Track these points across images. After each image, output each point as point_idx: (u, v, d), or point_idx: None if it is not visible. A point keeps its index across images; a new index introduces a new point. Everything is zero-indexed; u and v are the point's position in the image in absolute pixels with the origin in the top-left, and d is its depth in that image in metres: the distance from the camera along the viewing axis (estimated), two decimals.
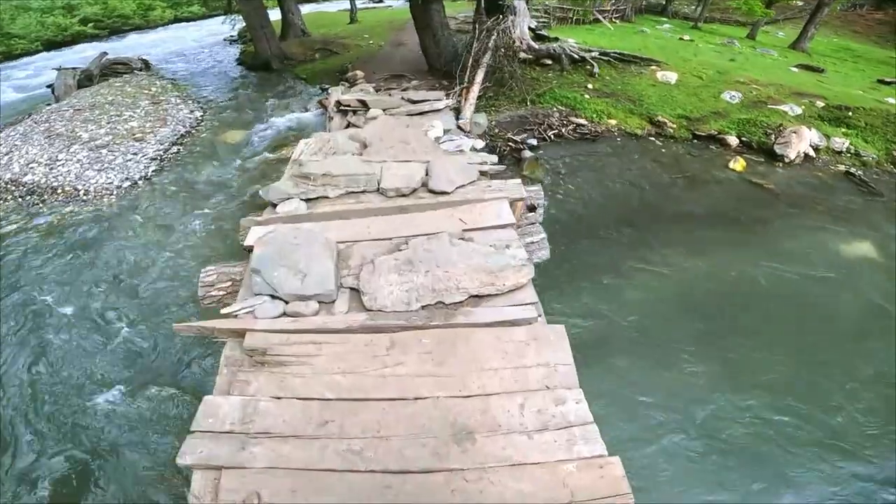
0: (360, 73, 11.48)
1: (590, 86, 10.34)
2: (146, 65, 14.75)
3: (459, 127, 6.67)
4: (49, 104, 11.55)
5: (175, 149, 8.81)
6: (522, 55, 10.49)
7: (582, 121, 9.44)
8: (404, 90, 10.14)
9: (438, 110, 6.86)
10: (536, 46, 10.84)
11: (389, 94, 8.54)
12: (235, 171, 8.08)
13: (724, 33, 18.55)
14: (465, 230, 3.24)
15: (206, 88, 12.05)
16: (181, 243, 6.61)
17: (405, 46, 14.21)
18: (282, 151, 8.42)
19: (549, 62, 10.90)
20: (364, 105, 7.49)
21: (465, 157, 4.70)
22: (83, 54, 18.21)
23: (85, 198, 7.58)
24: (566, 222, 7.21)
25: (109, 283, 6.07)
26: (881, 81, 14.41)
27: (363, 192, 4.10)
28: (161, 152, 8.59)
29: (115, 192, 7.68)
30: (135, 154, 8.41)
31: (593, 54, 10.91)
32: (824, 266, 6.75)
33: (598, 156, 8.83)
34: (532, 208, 4.01)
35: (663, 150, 9.25)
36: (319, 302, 2.85)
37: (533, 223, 4.03)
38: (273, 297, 2.87)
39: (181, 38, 20.12)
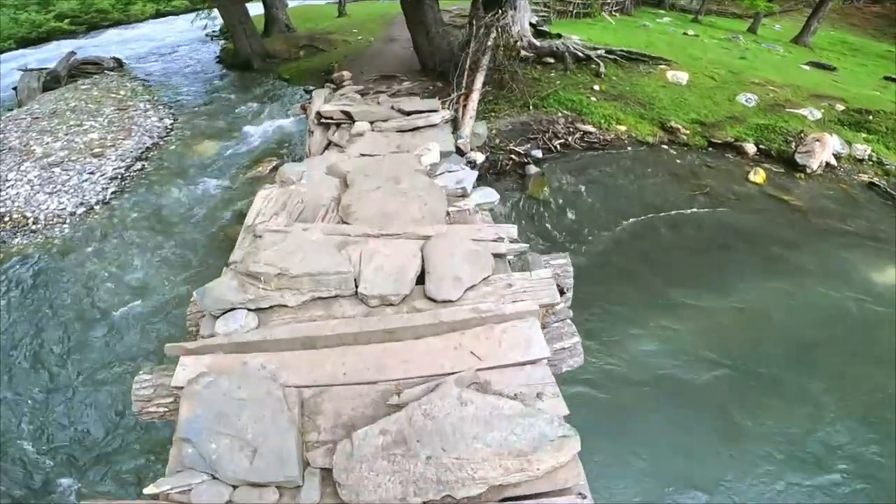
0: (346, 73, 10.27)
1: (596, 87, 9.25)
2: (119, 64, 13.38)
3: (459, 149, 5.57)
4: (12, 109, 10.29)
5: (139, 165, 7.64)
6: (523, 53, 9.36)
7: (589, 128, 8.36)
8: (394, 94, 8.99)
9: (434, 125, 5.75)
10: (538, 44, 9.70)
11: (378, 102, 7.39)
12: (204, 194, 6.96)
13: (724, 27, 17.44)
14: (479, 369, 2.20)
15: (180, 91, 10.79)
16: (138, 286, 5.52)
17: (396, 42, 12.96)
18: (258, 168, 7.30)
19: (552, 61, 9.78)
20: (349, 117, 6.37)
21: (475, 227, 3.45)
22: (59, 52, 16.80)
23: (35, 227, 6.43)
24: (575, 253, 6.19)
25: (51, 335, 4.99)
26: (888, 78, 13.46)
27: (335, 297, 2.87)
28: (122, 170, 7.41)
29: (67, 220, 6.53)
30: (91, 173, 7.24)
31: (599, 52, 9.78)
32: (864, 297, 5.83)
33: (609, 168, 7.78)
34: (560, 291, 2.97)
35: (678, 161, 8.22)
36: (279, 488, 1.82)
37: (562, 319, 2.91)
38: (214, 477, 1.85)
39: (162, 34, 18.60)
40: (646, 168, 7.93)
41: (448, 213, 4.12)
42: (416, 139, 5.59)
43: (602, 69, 9.50)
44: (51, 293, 5.50)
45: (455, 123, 6.49)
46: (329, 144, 5.86)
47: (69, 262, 5.90)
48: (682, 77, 9.71)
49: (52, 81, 11.68)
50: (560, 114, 8.56)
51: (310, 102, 7.80)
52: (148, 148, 8.07)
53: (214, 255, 5.86)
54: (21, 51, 17.93)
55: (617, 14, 13.23)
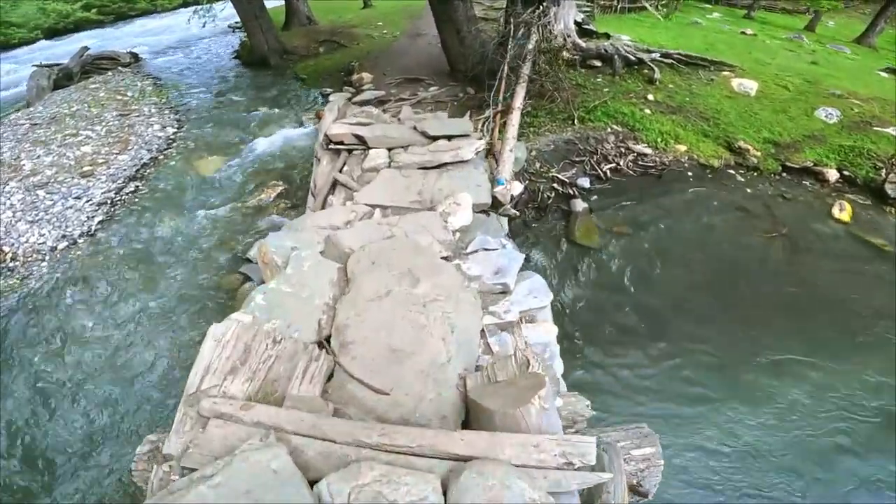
0: (366, 75, 8.83)
1: (650, 97, 7.59)
2: (135, 59, 12.20)
3: (498, 209, 4.11)
4: (19, 110, 9.22)
5: (132, 186, 6.41)
6: (566, 55, 7.74)
7: (644, 148, 6.78)
8: (419, 103, 7.53)
9: (465, 161, 4.33)
10: (584, 45, 8.05)
11: (398, 118, 5.97)
12: (200, 227, 5.71)
13: (780, 24, 15.17)
14: None
15: (190, 91, 9.50)
16: (114, 355, 4.36)
17: (423, 38, 11.37)
18: (260, 196, 6.00)
19: (598, 64, 8.12)
20: (362, 142, 4.99)
21: (531, 442, 1.86)
22: (85, 42, 15.76)
23: (12, 264, 5.31)
24: (629, 324, 4.74)
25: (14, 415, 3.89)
26: None
27: None
28: (112, 194, 6.21)
29: (46, 258, 5.39)
30: (77, 198, 6.06)
31: (654, 56, 8.08)
32: None
33: (668, 202, 6.21)
34: (643, 493, 1.64)
35: (748, 191, 6.58)
36: None
37: None
38: None
39: (186, 24, 17.28)
40: (711, 201, 6.34)
41: (483, 334, 2.78)
42: (443, 181, 4.18)
43: (657, 75, 7.82)
44: (14, 356, 4.39)
45: (489, 152, 5.05)
46: (335, 185, 4.51)
47: (41, 315, 4.77)
48: (751, 86, 7.95)
49: (63, 79, 10.56)
50: (609, 129, 6.98)
51: (323, 112, 6.42)
52: (145, 164, 6.85)
53: (206, 313, 4.67)
54: (48, 42, 16.99)
55: (664, 9, 11.33)
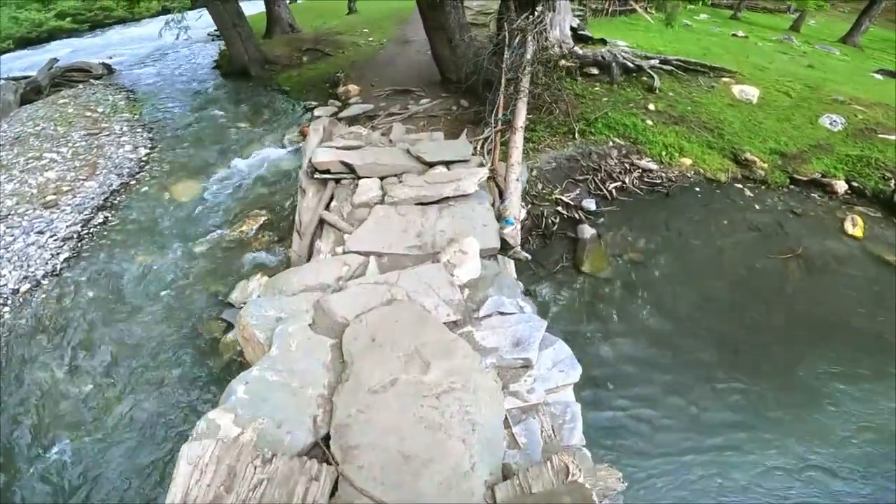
0: (353, 87, 8.13)
1: (651, 106, 7.05)
2: (109, 70, 11.27)
3: (508, 251, 3.52)
4: None
5: (100, 218, 5.66)
6: (562, 63, 7.15)
7: (649, 163, 6.24)
8: (411, 117, 6.88)
9: (467, 195, 3.72)
10: (580, 52, 7.46)
11: (390, 139, 5.31)
12: (176, 265, 5.02)
13: (763, 24, 14.77)
14: None
15: (166, 105, 8.68)
16: (89, 406, 3.71)
17: (412, 45, 10.66)
18: (241, 228, 5.32)
19: (595, 71, 7.55)
20: (351, 171, 4.34)
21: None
22: (59, 52, 14.74)
23: None
24: (648, 358, 4.21)
25: None
26: None
27: None
28: (79, 227, 5.45)
29: (9, 301, 4.66)
30: (40, 233, 5.31)
31: (653, 63, 7.53)
32: None
33: (677, 223, 5.68)
34: None
35: (757, 207, 6.09)
36: None
37: None
38: None
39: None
40: (721, 219, 5.83)
41: (506, 423, 2.21)
42: (444, 221, 3.57)
43: (657, 83, 7.27)
44: None
45: (492, 181, 4.43)
46: (322, 224, 3.87)
47: (6, 367, 4.08)
48: (752, 93, 7.45)
49: (31, 93, 9.63)
50: (612, 143, 6.42)
51: (307, 126, 5.73)
52: (115, 191, 6.08)
53: (186, 366, 4.03)
54: (21, 52, 15.83)
55: (654, 12, 10.78)
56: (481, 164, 4.40)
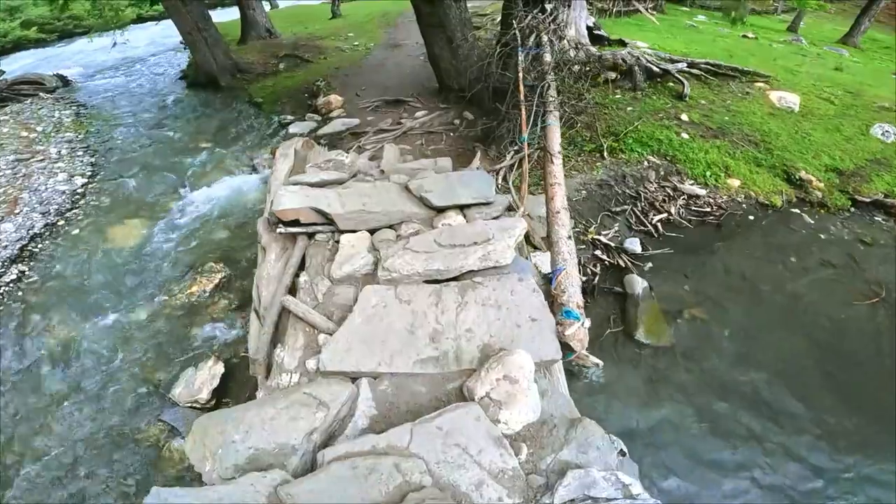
0: (335, 98, 6.63)
1: (684, 116, 5.73)
2: (64, 82, 9.55)
3: (566, 345, 2.14)
4: None
5: (14, 272, 4.09)
6: (587, 67, 5.76)
7: (694, 187, 4.91)
8: (404, 134, 5.43)
9: (500, 266, 2.32)
10: (597, 54, 6.10)
11: (380, 168, 3.86)
12: (111, 337, 3.55)
13: (760, 25, 13.61)
14: None
15: (118, 121, 7.05)
16: None
17: (402, 49, 9.19)
18: (192, 289, 3.84)
19: (613, 76, 6.19)
20: (329, 221, 2.90)
21: None
22: (25, 62, 12.96)
23: None
24: (734, 464, 2.90)
25: None
26: None
27: None
28: None
29: None
30: None
31: (679, 66, 6.20)
32: None
33: (737, 261, 4.37)
34: None
35: (822, 237, 4.80)
36: None
37: None
38: None
39: (138, 41, 14.39)
40: (786, 255, 4.53)
41: None
42: (470, 312, 2.15)
43: (687, 90, 5.95)
44: None
45: (527, 240, 3.04)
46: (288, 316, 2.42)
47: None
48: (792, 100, 6.18)
49: None
50: (647, 163, 5.07)
51: (276, 155, 4.24)
52: (37, 235, 4.50)
53: (113, 491, 2.60)
54: None
55: (654, 13, 9.53)
56: (510, 209, 3.00)
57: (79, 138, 6.47)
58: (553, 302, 2.30)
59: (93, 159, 5.88)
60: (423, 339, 2.10)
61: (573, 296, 2.40)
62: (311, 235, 3.01)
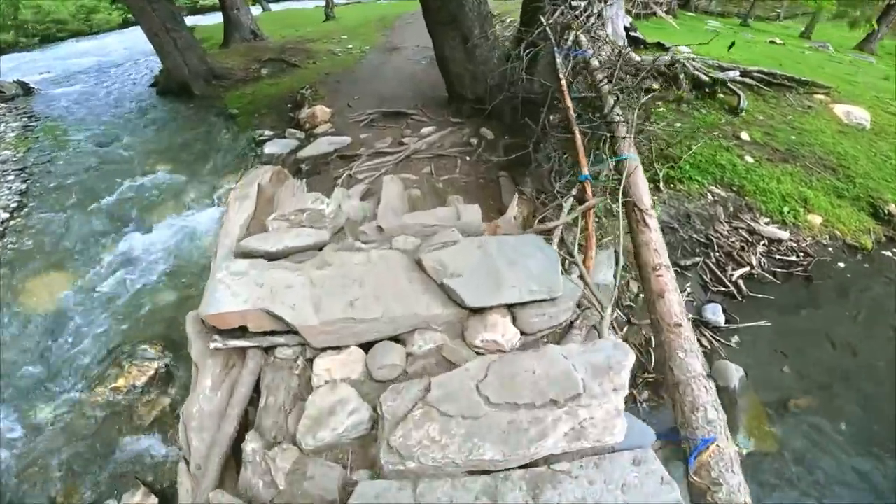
0: (322, 109, 5.32)
1: (744, 135, 4.53)
2: (25, 89, 8.13)
3: None
4: None
5: None
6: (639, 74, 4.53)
7: (774, 228, 3.72)
8: (407, 158, 4.17)
9: (603, 445, 1.13)
10: (637, 58, 4.87)
11: (379, 227, 2.62)
12: (12, 448, 2.31)
13: (772, 31, 12.48)
14: None
15: (68, 137, 5.66)
16: None
17: (400, 53, 7.88)
18: (117, 382, 2.57)
19: (654, 85, 4.96)
20: (291, 332, 1.67)
21: None
22: (6, 66, 11.45)
23: None
24: None
25: None
26: None
27: None
28: None
29: None
30: None
31: (732, 75, 5.00)
32: None
33: (838, 328, 3.19)
34: None
35: None
36: None
37: None
38: None
39: (119, 46, 12.89)
40: (890, 316, 3.36)
41: None
42: None
43: (743, 103, 4.75)
44: None
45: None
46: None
47: None
48: (861, 115, 5.01)
49: None
50: (711, 196, 3.87)
51: (230, 200, 2.97)
52: None
53: None
54: None
55: (669, 17, 8.37)
56: (585, 308, 1.77)
57: (15, 157, 5.12)
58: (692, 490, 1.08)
59: (24, 185, 4.54)
60: None
61: (734, 490, 1.19)
62: (268, 349, 1.76)
